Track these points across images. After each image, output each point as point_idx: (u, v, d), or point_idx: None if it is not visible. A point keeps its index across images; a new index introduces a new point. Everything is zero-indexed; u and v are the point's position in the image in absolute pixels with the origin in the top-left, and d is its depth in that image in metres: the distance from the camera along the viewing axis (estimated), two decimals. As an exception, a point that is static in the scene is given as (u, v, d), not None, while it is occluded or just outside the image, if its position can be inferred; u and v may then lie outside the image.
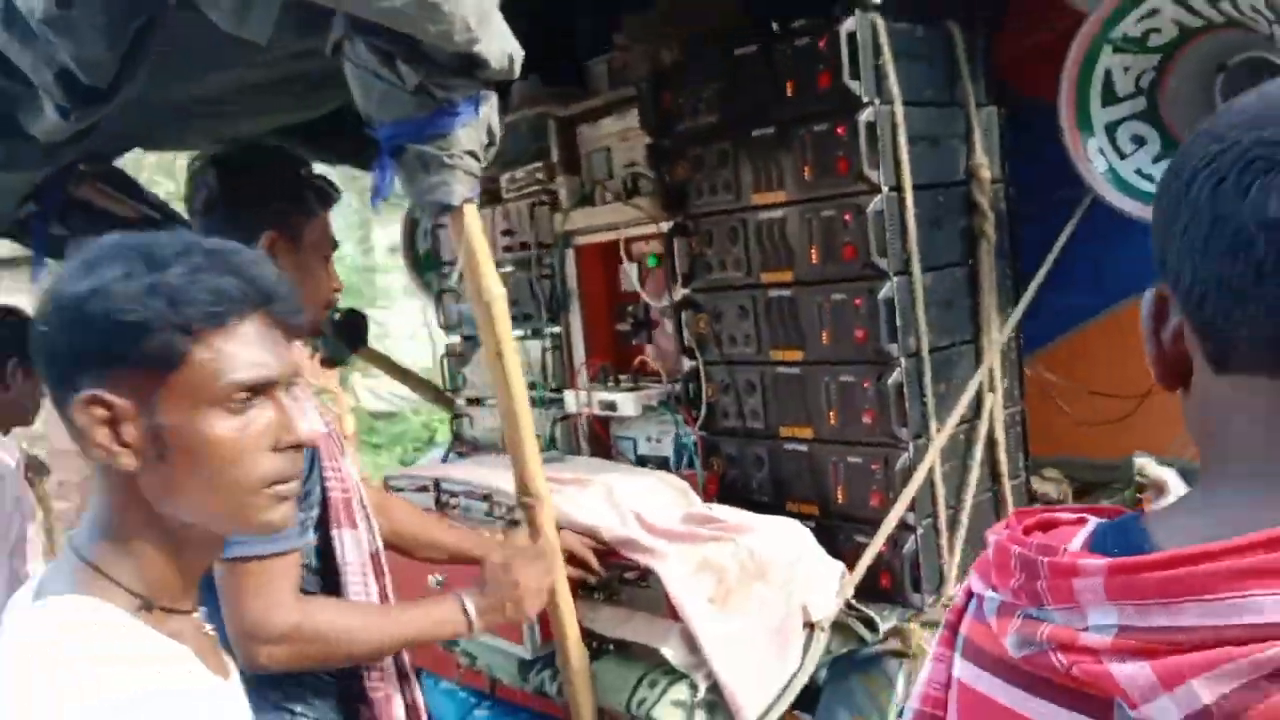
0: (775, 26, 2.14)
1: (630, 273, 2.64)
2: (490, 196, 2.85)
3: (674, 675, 1.91)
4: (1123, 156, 2.02)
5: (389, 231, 13.12)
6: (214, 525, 1.00)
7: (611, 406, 2.49)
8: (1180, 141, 1.99)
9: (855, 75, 1.97)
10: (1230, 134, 0.63)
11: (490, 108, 1.52)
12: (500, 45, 1.43)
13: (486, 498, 2.27)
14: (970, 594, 0.78)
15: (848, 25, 1.95)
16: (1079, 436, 2.63)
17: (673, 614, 1.92)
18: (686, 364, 2.43)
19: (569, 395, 2.67)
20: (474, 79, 1.45)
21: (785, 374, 2.22)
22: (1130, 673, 0.58)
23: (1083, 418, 2.55)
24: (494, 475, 2.27)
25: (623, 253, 2.63)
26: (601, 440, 2.72)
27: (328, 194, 1.76)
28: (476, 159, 1.52)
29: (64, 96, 1.64)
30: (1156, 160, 2.00)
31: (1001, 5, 2.33)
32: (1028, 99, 2.33)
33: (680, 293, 2.42)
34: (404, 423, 11.32)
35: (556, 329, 2.79)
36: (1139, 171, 2.02)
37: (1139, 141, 2.03)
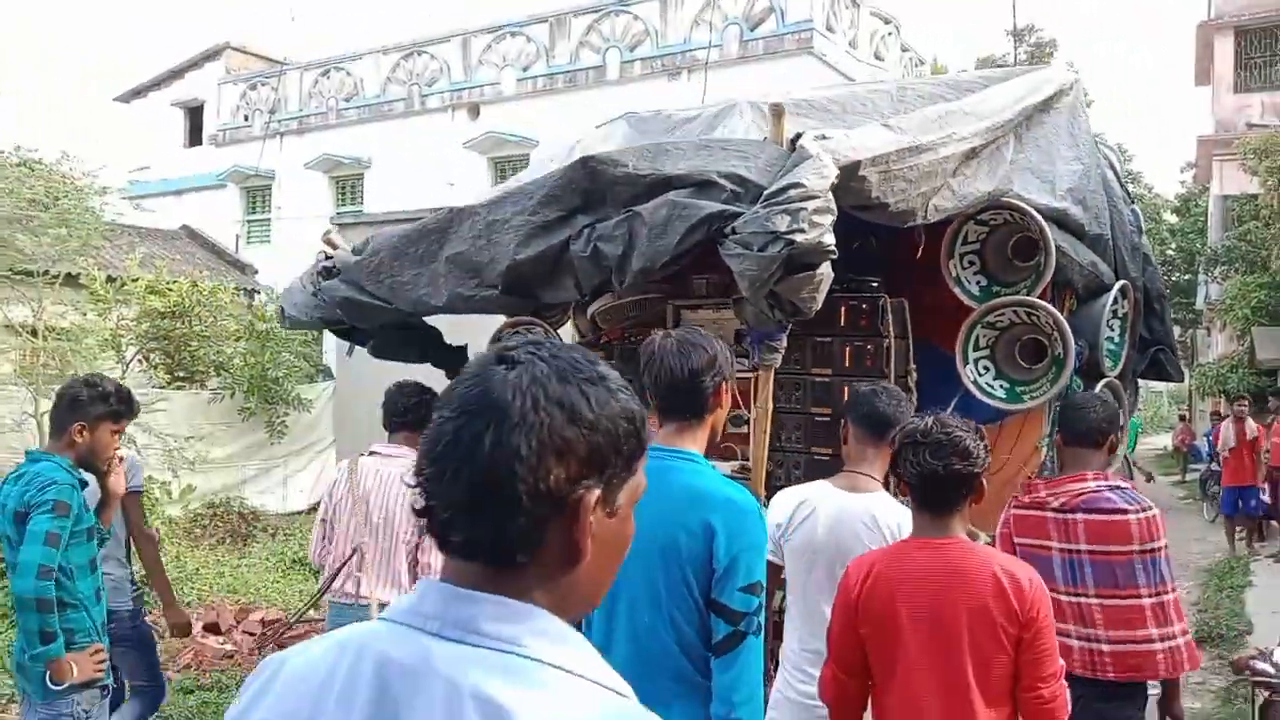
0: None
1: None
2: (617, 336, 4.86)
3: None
4: (980, 375, 4.43)
5: (6, 310, 11.84)
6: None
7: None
8: (1004, 372, 4.46)
9: (883, 321, 4.26)
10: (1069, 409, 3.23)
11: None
12: (810, 307, 3.54)
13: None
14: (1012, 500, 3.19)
15: (883, 302, 4.25)
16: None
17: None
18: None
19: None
20: (792, 321, 3.54)
21: (819, 460, 4.37)
22: (1051, 500, 3.07)
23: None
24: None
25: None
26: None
27: None
28: (783, 345, 3.59)
29: (593, 292, 3.55)
30: (995, 379, 4.42)
31: (924, 289, 4.75)
32: (920, 339, 4.72)
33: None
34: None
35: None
36: (987, 383, 4.42)
37: (985, 370, 4.45)
